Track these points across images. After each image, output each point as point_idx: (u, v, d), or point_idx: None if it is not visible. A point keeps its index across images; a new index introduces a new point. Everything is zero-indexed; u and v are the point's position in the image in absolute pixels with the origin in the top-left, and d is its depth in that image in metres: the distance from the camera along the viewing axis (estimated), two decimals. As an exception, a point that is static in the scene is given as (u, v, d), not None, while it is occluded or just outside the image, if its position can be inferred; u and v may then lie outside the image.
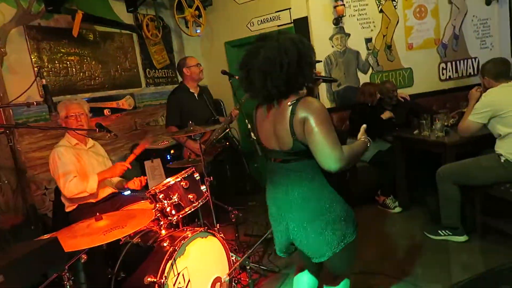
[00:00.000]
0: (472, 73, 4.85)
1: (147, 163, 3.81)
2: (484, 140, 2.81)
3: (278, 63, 1.42)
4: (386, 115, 3.74)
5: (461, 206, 2.82)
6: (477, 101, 2.74)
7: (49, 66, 3.28)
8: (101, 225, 1.83)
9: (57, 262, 1.39)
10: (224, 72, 3.31)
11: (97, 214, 1.90)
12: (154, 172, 3.80)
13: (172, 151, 3.80)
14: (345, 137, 4.01)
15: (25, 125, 2.68)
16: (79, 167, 2.66)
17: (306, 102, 1.45)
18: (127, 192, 2.96)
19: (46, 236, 1.87)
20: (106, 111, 3.75)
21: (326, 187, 1.57)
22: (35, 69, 3.13)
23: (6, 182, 2.71)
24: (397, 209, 3.54)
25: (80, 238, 1.71)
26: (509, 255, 2.54)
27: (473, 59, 4.84)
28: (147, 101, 4.31)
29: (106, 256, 2.16)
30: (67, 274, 1.77)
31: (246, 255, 2.28)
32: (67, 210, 2.71)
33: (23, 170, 2.96)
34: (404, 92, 4.09)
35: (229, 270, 2.31)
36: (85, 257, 1.87)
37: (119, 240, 2.12)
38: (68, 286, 1.77)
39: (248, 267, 2.29)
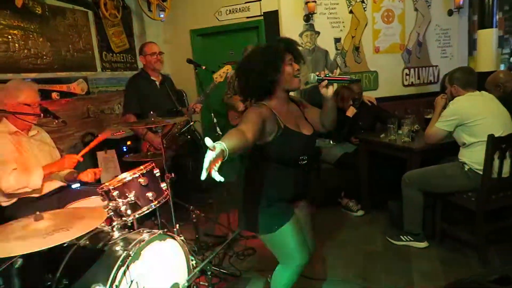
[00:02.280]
0: (432, 81, 5.00)
1: (100, 154, 3.49)
2: (447, 147, 2.83)
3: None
4: (350, 111, 3.68)
5: (423, 212, 2.83)
6: (443, 108, 2.75)
7: (-13, 39, 2.88)
8: (41, 226, 1.56)
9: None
10: (189, 61, 3.11)
11: (37, 212, 1.63)
12: (108, 164, 3.48)
13: (128, 143, 3.51)
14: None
15: None
16: (19, 158, 2.33)
17: None
18: (76, 185, 2.67)
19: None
20: (54, 95, 3.37)
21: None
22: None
23: None
24: (360, 212, 3.52)
25: (13, 242, 1.44)
26: (465, 263, 2.59)
27: (434, 67, 4.99)
28: (102, 87, 3.96)
29: (46, 259, 1.88)
30: (-2, 283, 1.53)
31: (207, 260, 2.10)
32: (2, 204, 2.36)
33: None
34: (371, 96, 4.09)
35: (188, 275, 2.12)
36: (19, 261, 1.63)
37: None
38: (-4, 296, 1.53)
39: (208, 272, 2.12)
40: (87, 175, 2.52)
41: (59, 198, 2.46)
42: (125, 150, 3.43)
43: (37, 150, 2.49)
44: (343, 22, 4.44)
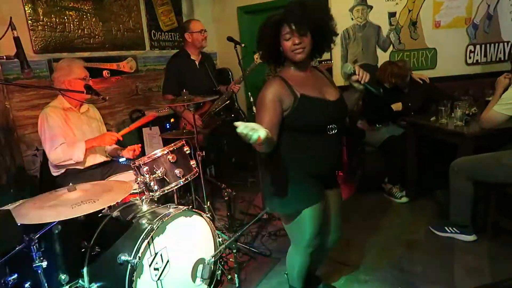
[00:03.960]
0: (502, 59, 4.45)
1: (145, 130, 3.66)
2: (507, 135, 2.53)
3: None
4: (396, 106, 3.45)
5: (473, 203, 2.59)
6: (505, 90, 2.45)
7: (45, 20, 3.08)
8: (72, 197, 1.68)
9: (8, 237, 1.25)
10: (230, 39, 3.07)
11: (70, 184, 1.75)
12: (152, 140, 3.65)
13: (172, 120, 3.62)
14: (355, 118, 3.77)
15: (2, 82, 2.49)
16: (68, 133, 2.51)
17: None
18: (122, 160, 2.82)
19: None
20: (105, 73, 3.56)
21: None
22: (29, 21, 2.94)
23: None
24: (404, 199, 3.33)
25: (45, 210, 1.57)
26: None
27: (505, 43, 4.43)
28: (150, 65, 4.09)
29: (83, 227, 2.03)
30: (36, 245, 1.68)
31: (233, 238, 2.12)
32: (54, 175, 2.59)
33: (12, 129, 2.82)
34: (422, 74, 3.77)
35: (215, 251, 2.17)
36: (59, 227, 1.77)
37: (98, 211, 1.99)
38: (36, 258, 1.68)
39: (234, 250, 2.14)
40: (128, 152, 2.66)
41: (102, 171, 2.63)
42: (167, 127, 3.55)
43: (86, 125, 2.67)
44: (399, -6, 4.09)
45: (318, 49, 1.67)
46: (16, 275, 1.87)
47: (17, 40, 1.62)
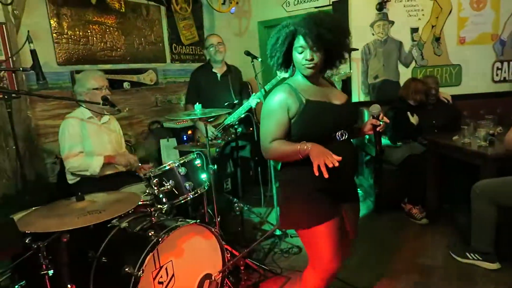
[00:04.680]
0: (532, 77, 4.27)
1: (162, 142, 3.70)
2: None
3: None
4: (414, 119, 3.36)
5: (496, 229, 2.45)
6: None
7: (69, 33, 3.20)
8: (79, 207, 1.69)
9: (10, 246, 1.26)
10: (247, 53, 3.08)
11: (79, 193, 1.77)
12: (170, 151, 3.68)
13: (189, 132, 3.65)
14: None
15: (23, 92, 2.57)
16: (87, 143, 2.56)
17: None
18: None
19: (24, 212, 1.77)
20: (125, 85, 3.64)
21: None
22: (53, 34, 3.06)
23: (13, 148, 2.66)
24: (424, 221, 3.19)
25: (51, 219, 1.58)
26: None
27: (535, 61, 4.26)
28: (170, 77, 4.17)
29: (91, 236, 2.04)
30: (44, 253, 1.69)
31: (241, 254, 2.09)
32: (70, 182, 2.63)
33: (33, 137, 2.91)
34: (446, 93, 3.66)
35: (222, 268, 2.13)
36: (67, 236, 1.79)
37: (108, 221, 2.00)
38: (44, 265, 1.69)
39: (242, 267, 2.11)
40: (141, 170, 2.69)
41: (116, 181, 2.64)
42: (185, 138, 3.57)
43: (105, 136, 2.71)
44: (422, 10, 4.02)
45: (330, 64, 1.64)
46: (24, 282, 1.90)
47: (33, 53, 1.68)
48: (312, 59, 1.53)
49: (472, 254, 2.54)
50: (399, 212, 3.38)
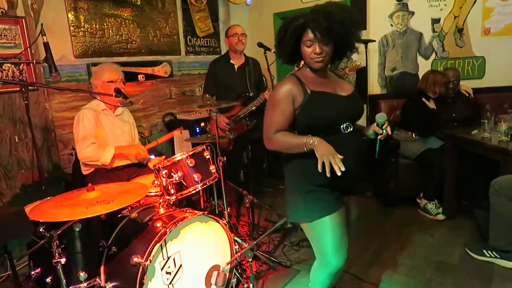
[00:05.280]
0: (561, 69, 4.07)
1: (176, 133, 3.71)
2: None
3: None
4: (431, 103, 3.28)
5: (517, 227, 2.36)
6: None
7: (86, 26, 3.24)
8: (90, 197, 1.72)
9: (20, 234, 1.30)
10: (260, 45, 3.05)
11: (89, 184, 1.80)
12: (182, 143, 3.70)
13: (202, 124, 3.65)
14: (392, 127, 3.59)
15: (40, 85, 2.63)
16: (100, 134, 2.61)
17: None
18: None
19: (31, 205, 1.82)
20: (140, 77, 3.67)
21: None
22: (71, 27, 3.11)
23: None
24: (440, 217, 3.10)
25: (62, 209, 1.62)
26: None
27: None
28: (185, 70, 4.18)
29: (103, 226, 2.08)
30: (57, 242, 1.74)
31: (249, 246, 2.07)
32: (84, 173, 2.69)
33: (50, 129, 2.98)
34: (467, 86, 3.54)
35: (231, 258, 2.13)
36: (79, 226, 1.83)
37: (118, 211, 2.03)
38: (57, 254, 1.74)
39: (250, 259, 2.10)
40: (153, 164, 2.71)
41: (128, 172, 2.69)
42: (197, 130, 3.58)
43: (118, 128, 2.75)
44: (444, 0, 3.87)
45: (339, 56, 1.61)
46: (39, 269, 1.96)
47: (46, 46, 1.70)
48: (321, 53, 1.50)
49: (489, 252, 2.46)
50: (415, 207, 3.30)
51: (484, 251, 2.48)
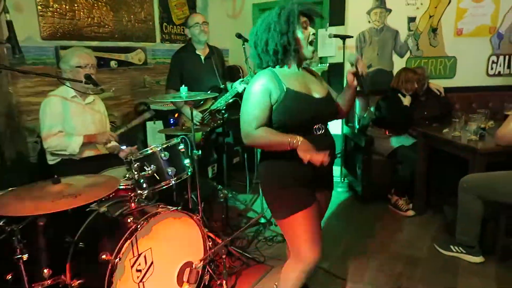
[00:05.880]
0: (527, 72, 4.24)
1: (149, 124, 3.60)
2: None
3: None
4: (407, 100, 3.36)
5: (482, 223, 2.44)
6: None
7: (54, 6, 3.05)
8: (55, 190, 1.62)
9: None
10: (238, 36, 2.97)
11: (55, 175, 1.70)
12: (155, 135, 3.59)
13: (176, 115, 3.56)
14: (365, 124, 3.64)
15: (2, 67, 2.42)
16: (68, 122, 2.47)
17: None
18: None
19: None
20: (112, 63, 3.52)
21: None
22: (38, 6, 2.91)
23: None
24: (410, 213, 3.18)
25: (26, 202, 1.52)
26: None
27: (532, 56, 4.22)
28: (160, 58, 4.04)
29: (69, 220, 1.98)
30: (18, 236, 1.64)
31: (222, 243, 2.05)
32: (50, 163, 2.55)
33: (14, 114, 2.80)
34: (439, 85, 3.62)
35: (204, 255, 2.09)
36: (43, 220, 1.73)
37: (86, 205, 1.94)
38: (18, 249, 1.64)
39: (223, 255, 2.07)
40: (124, 153, 2.60)
41: (97, 164, 2.57)
42: (171, 122, 3.48)
43: (88, 117, 2.62)
44: (421, -1, 3.93)
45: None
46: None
47: (9, 24, 1.57)
48: (314, 33, 1.59)
49: (456, 247, 2.55)
50: (386, 203, 3.37)
51: (451, 246, 2.57)
